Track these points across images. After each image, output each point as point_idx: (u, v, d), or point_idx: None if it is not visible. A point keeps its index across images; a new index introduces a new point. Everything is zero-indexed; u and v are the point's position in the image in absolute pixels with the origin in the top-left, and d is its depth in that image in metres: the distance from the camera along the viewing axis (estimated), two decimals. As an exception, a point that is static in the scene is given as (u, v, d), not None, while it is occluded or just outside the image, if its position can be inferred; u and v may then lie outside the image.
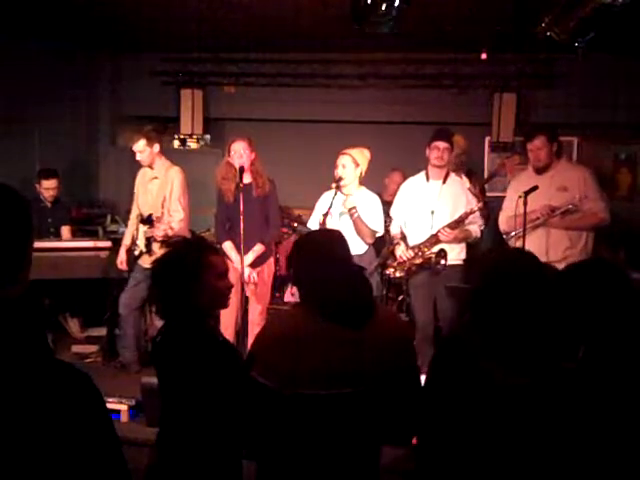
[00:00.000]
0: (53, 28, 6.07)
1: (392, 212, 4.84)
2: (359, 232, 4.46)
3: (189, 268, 2.24)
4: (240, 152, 4.58)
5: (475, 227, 4.61)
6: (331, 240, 2.30)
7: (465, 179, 4.77)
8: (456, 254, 4.55)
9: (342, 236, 2.33)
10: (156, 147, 4.83)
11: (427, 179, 4.64)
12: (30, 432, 1.16)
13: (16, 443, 1.15)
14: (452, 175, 4.66)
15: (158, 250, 4.71)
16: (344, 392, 2.06)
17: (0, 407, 1.15)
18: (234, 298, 4.55)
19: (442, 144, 4.54)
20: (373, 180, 4.86)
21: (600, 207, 4.35)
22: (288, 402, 2.06)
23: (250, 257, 4.55)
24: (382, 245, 4.96)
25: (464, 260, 4.62)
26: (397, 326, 2.29)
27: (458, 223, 4.48)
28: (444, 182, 4.58)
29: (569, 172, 4.43)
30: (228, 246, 4.65)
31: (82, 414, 1.21)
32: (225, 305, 2.38)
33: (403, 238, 4.72)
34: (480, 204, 4.46)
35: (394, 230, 4.81)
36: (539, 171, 4.47)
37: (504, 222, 4.60)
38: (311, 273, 2.20)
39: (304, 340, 2.08)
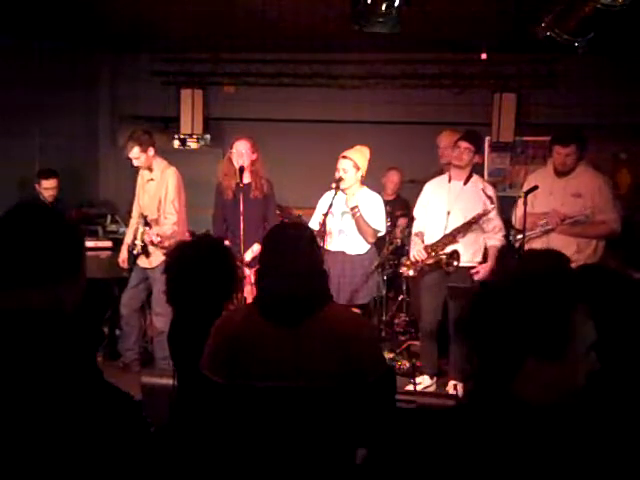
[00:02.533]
0: (53, 28, 6.06)
1: (415, 212, 4.85)
2: (361, 231, 4.46)
3: (227, 256, 2.49)
4: (241, 152, 4.59)
5: (494, 242, 4.57)
6: (279, 239, 2.27)
7: (481, 180, 4.71)
8: (470, 255, 4.51)
9: (299, 233, 2.29)
10: (150, 151, 4.81)
11: (449, 180, 4.64)
12: (71, 458, 1.16)
13: (56, 467, 1.15)
14: (475, 177, 4.62)
15: (154, 252, 4.73)
16: (280, 386, 2.07)
17: (41, 431, 1.16)
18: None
19: (463, 144, 4.53)
20: (373, 180, 4.86)
21: (612, 218, 4.29)
22: (230, 394, 2.11)
23: (249, 256, 4.55)
24: (383, 245, 4.96)
25: (479, 263, 4.59)
26: (343, 326, 2.16)
27: (470, 225, 4.46)
28: (465, 184, 4.56)
29: (585, 179, 4.36)
30: None
31: (125, 441, 1.21)
32: (232, 295, 2.59)
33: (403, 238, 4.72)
34: (493, 206, 4.42)
35: (415, 229, 4.80)
36: (559, 174, 4.44)
37: (518, 220, 4.60)
38: (260, 269, 2.26)
39: (240, 335, 2.14)
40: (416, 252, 4.61)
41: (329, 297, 2.23)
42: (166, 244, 4.56)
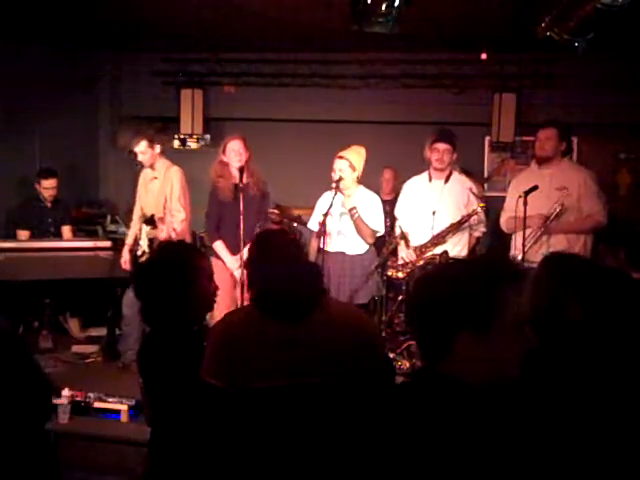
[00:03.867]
0: (54, 28, 6.07)
1: (396, 212, 4.84)
2: (360, 232, 4.46)
3: (184, 272, 2.25)
4: (240, 151, 4.57)
5: (477, 233, 4.68)
6: (274, 240, 2.29)
7: (465, 178, 4.73)
8: (457, 252, 4.53)
9: (288, 235, 2.34)
10: (157, 148, 4.88)
11: (429, 179, 4.62)
12: None
13: None
14: (455, 174, 4.62)
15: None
16: (284, 385, 2.07)
17: None
18: (227, 298, 4.51)
19: (442, 146, 4.50)
20: (373, 180, 4.86)
21: (597, 210, 4.31)
22: (232, 397, 2.10)
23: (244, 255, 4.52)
24: (382, 245, 4.96)
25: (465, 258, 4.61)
26: (343, 319, 2.18)
27: (460, 224, 4.46)
28: (446, 182, 4.56)
29: (569, 172, 4.39)
30: (219, 246, 4.62)
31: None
32: (212, 307, 2.40)
33: (404, 238, 4.71)
34: (482, 204, 4.43)
35: (399, 229, 4.80)
36: (540, 162, 4.43)
37: (504, 223, 4.60)
38: (254, 271, 2.24)
39: (240, 335, 2.13)
40: (406, 254, 4.61)
41: (324, 290, 2.27)
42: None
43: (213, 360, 2.15)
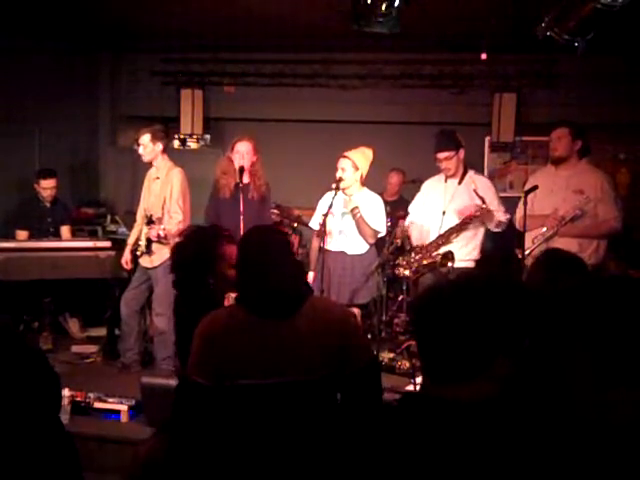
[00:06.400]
0: (53, 28, 6.07)
1: (410, 207, 4.82)
2: (361, 232, 4.46)
3: (205, 258, 2.68)
4: (243, 153, 4.61)
5: (496, 229, 4.54)
6: (261, 239, 2.31)
7: (477, 177, 4.64)
8: (466, 253, 4.47)
9: (273, 232, 2.39)
10: (159, 145, 4.85)
11: (445, 179, 4.59)
12: None
13: None
14: (469, 174, 4.55)
15: (157, 251, 4.73)
16: (270, 383, 2.09)
17: None
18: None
19: (441, 155, 4.46)
20: (373, 181, 4.86)
21: (612, 215, 4.24)
22: (219, 395, 2.12)
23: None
24: (383, 245, 4.96)
25: (475, 260, 4.55)
26: (328, 316, 2.22)
27: (463, 225, 4.43)
28: (460, 182, 4.53)
29: (587, 175, 4.31)
30: None
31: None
32: (232, 289, 2.62)
33: (404, 237, 4.70)
34: (485, 206, 4.37)
35: (407, 222, 4.78)
36: (556, 163, 4.38)
37: (518, 221, 4.58)
38: (239, 269, 2.29)
39: (226, 333, 2.15)
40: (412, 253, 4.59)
41: (310, 289, 2.34)
42: (171, 242, 4.55)
43: (198, 358, 2.17)
